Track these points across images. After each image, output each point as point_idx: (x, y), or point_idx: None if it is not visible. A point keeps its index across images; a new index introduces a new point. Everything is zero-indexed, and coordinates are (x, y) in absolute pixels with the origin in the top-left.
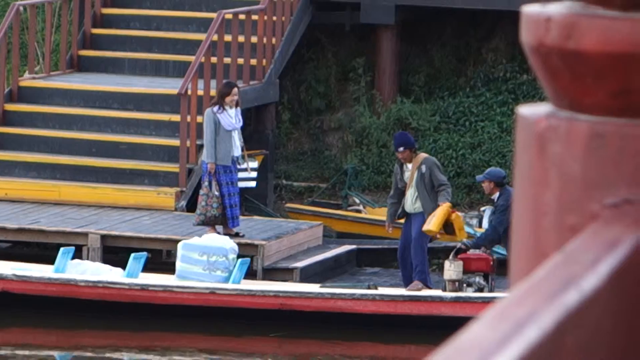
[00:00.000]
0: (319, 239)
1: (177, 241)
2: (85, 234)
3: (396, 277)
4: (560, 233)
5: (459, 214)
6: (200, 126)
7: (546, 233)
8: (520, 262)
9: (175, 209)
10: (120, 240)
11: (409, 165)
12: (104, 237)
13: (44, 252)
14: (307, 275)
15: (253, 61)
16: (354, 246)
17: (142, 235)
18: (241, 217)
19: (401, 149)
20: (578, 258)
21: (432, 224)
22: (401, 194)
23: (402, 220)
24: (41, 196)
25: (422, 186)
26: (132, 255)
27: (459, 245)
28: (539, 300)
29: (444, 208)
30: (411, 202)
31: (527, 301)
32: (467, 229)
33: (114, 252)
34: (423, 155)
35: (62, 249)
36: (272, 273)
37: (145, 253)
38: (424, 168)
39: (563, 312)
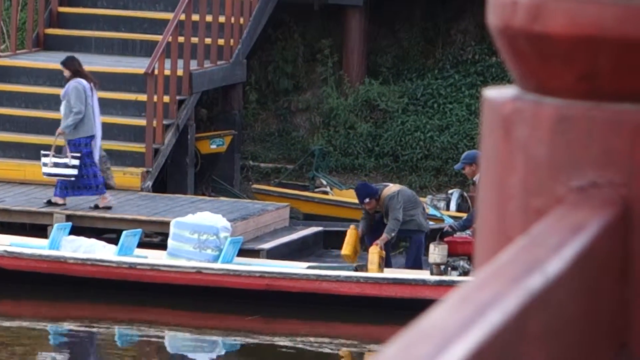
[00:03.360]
0: (285, 220)
1: (143, 222)
2: (51, 214)
3: (363, 259)
4: (525, 216)
5: (377, 248)
6: (167, 106)
7: (511, 216)
8: (485, 245)
9: (142, 189)
10: (85, 220)
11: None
12: (69, 217)
13: (9, 232)
14: (274, 256)
15: (221, 41)
16: (320, 228)
17: (108, 215)
18: (207, 198)
19: (367, 200)
20: (543, 241)
21: (343, 249)
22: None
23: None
24: (6, 175)
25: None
26: (124, 232)
27: (445, 228)
28: (503, 284)
29: (350, 232)
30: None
31: (490, 285)
32: (433, 211)
33: (80, 232)
34: (385, 194)
35: (56, 224)
36: (238, 254)
37: (140, 230)
38: (385, 208)
39: (527, 296)
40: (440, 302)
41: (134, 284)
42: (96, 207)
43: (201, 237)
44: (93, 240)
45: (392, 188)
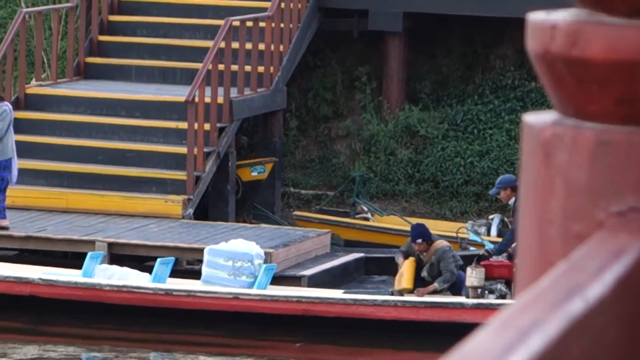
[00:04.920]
0: (326, 247)
1: (185, 249)
2: (92, 242)
3: None
4: (565, 241)
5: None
6: (207, 133)
7: (552, 241)
8: (525, 270)
9: (183, 217)
10: (127, 248)
11: (425, 253)
12: (111, 245)
13: (51, 260)
14: (315, 283)
15: (260, 68)
16: (361, 254)
17: (149, 243)
18: (248, 225)
19: (419, 240)
20: (583, 266)
21: (404, 282)
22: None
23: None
24: (48, 204)
25: (432, 276)
26: (159, 260)
27: (481, 252)
28: (544, 309)
29: (407, 264)
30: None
31: (532, 309)
32: (474, 237)
33: (121, 260)
34: (437, 245)
35: (89, 253)
36: (279, 281)
37: (172, 258)
38: (434, 259)
39: (568, 320)
40: (482, 326)
41: (170, 310)
42: None
43: (236, 264)
44: (126, 269)
45: (443, 242)
